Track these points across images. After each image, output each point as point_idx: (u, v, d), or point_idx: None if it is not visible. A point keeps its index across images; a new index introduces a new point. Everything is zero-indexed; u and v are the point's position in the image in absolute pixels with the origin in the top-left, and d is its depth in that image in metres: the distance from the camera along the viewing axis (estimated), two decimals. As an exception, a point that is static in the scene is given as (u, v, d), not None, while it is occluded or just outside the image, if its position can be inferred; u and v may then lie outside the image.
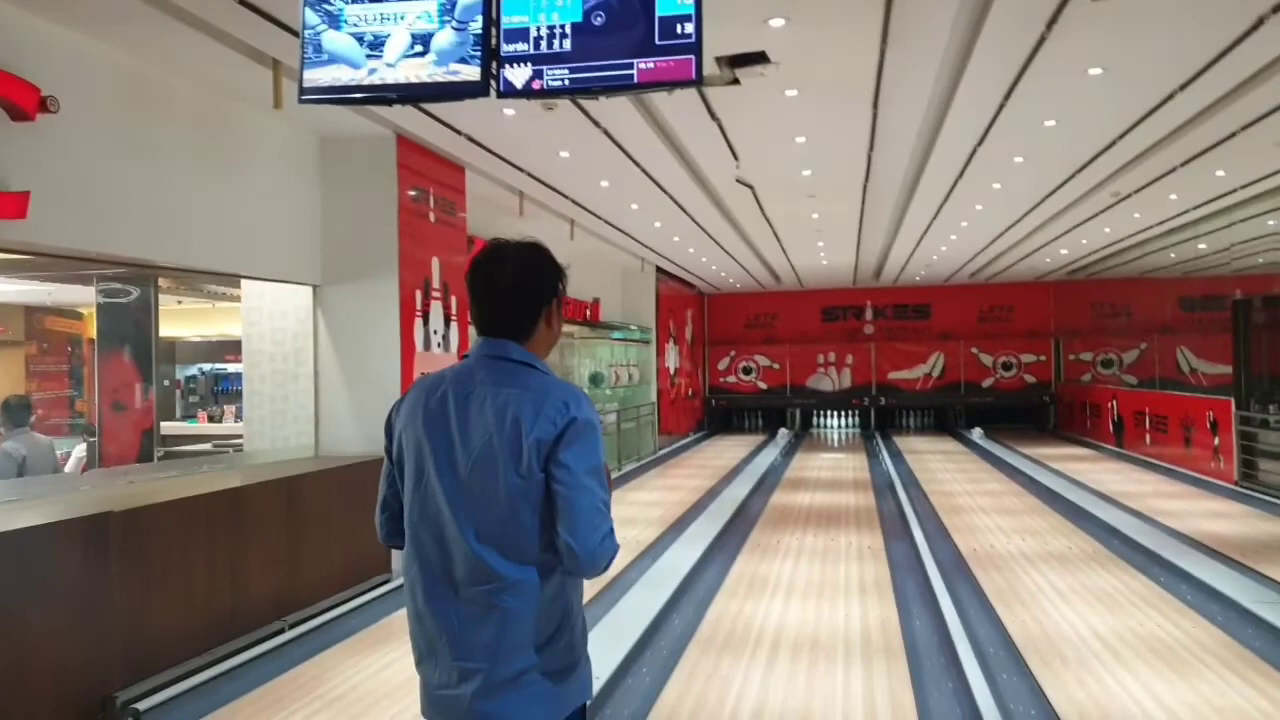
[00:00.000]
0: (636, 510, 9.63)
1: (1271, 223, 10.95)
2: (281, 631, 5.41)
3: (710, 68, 5.47)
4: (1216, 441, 10.80)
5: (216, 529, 5.12)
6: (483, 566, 1.78)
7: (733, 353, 21.03)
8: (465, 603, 1.80)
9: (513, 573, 1.78)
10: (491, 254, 1.90)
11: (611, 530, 1.80)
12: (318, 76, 3.84)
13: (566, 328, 13.36)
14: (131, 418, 9.89)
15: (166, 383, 15.76)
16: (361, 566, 6.49)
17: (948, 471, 12.62)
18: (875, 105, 6.25)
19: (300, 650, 5.18)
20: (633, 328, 15.46)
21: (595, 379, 13.68)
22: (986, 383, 19.86)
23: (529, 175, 8.14)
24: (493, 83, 3.75)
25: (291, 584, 5.73)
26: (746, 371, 20.95)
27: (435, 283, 7.36)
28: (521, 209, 9.09)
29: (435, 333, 7.33)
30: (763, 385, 20.88)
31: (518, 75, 3.71)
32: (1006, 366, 19.79)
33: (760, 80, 5.67)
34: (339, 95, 3.86)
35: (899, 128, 7.05)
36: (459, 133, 6.76)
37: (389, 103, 3.87)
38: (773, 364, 20.86)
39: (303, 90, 3.86)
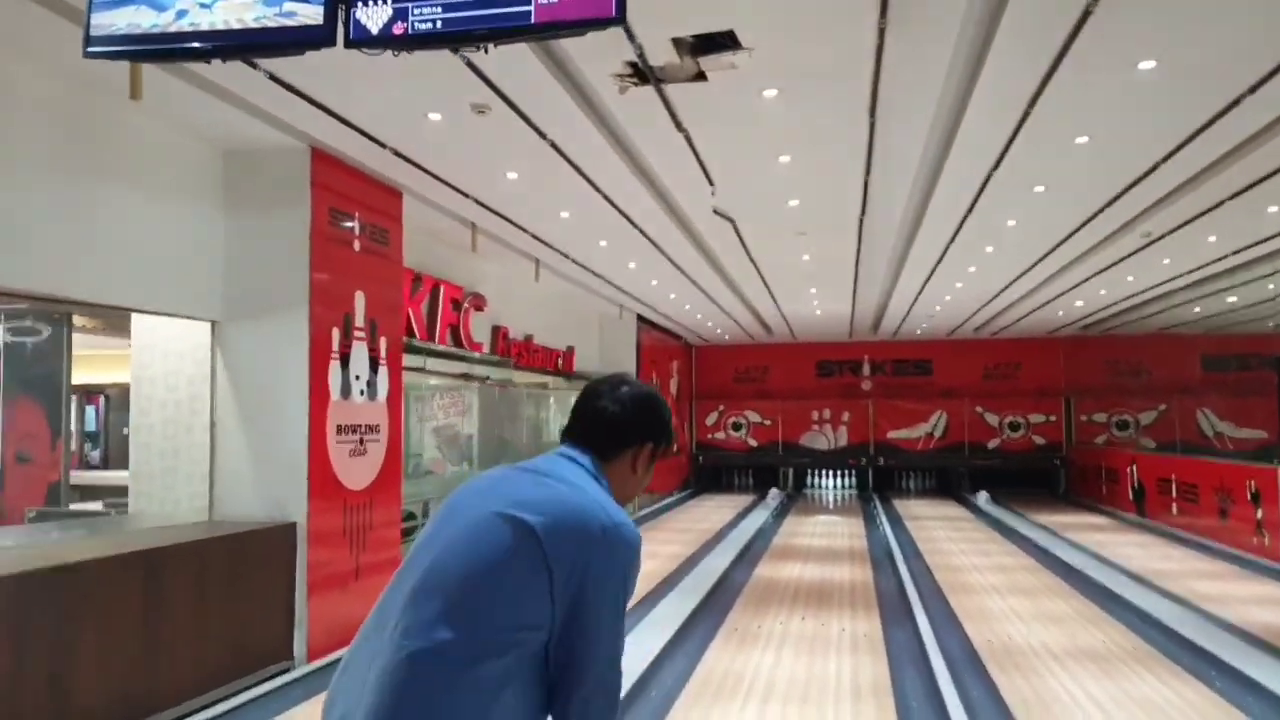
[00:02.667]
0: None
1: (1309, 271, 9.95)
2: (122, 748, 4.26)
3: (668, 55, 4.49)
4: (1260, 514, 9.65)
5: (32, 617, 4.01)
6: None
7: (721, 407, 19.93)
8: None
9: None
10: (609, 379, 1.89)
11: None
12: (111, 22, 2.85)
13: (538, 378, 12.33)
14: (37, 470, 8.84)
15: (125, 431, 14.73)
16: (251, 655, 5.35)
17: (953, 541, 11.43)
18: (873, 113, 5.25)
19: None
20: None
21: (568, 434, 12.54)
22: (992, 444, 18.70)
23: (475, 202, 7.14)
24: (340, 28, 2.75)
25: (148, 681, 4.59)
26: (736, 427, 19.84)
27: (359, 320, 6.31)
28: (474, 243, 8.09)
29: (357, 378, 6.27)
30: (753, 442, 19.74)
31: (373, 16, 2.72)
32: (1014, 427, 18.65)
33: (731, 75, 4.70)
34: (138, 46, 2.87)
35: (901, 144, 6.06)
36: (381, 145, 5.77)
37: (205, 57, 2.86)
38: (764, 420, 19.75)
39: (90, 39, 2.87)
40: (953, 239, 8.80)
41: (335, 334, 6.06)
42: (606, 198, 7.09)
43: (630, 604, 1.67)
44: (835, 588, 8.40)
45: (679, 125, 5.52)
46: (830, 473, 19.60)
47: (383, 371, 6.59)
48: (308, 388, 5.78)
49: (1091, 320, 15.65)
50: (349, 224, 6.27)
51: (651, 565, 9.53)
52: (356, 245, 6.34)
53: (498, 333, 10.35)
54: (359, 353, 6.30)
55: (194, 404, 6.07)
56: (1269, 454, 10.20)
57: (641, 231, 8.31)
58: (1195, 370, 13.30)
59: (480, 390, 10.15)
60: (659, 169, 6.59)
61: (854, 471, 19.39)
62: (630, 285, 11.69)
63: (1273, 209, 7.68)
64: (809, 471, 19.66)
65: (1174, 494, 12.17)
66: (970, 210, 7.64)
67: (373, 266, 6.52)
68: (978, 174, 6.66)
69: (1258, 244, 9.25)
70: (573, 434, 1.82)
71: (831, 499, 18.23)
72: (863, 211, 7.79)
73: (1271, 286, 10.38)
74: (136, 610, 4.60)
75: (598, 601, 1.59)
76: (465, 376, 9.25)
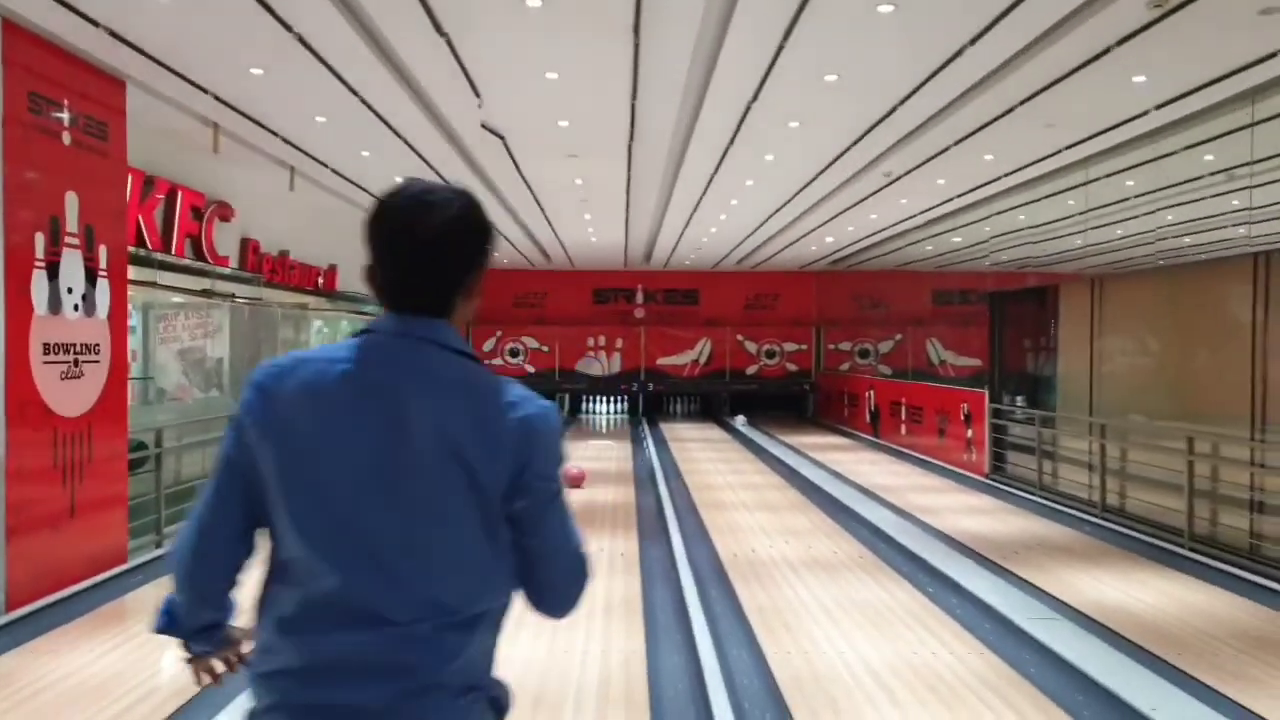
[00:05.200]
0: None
1: (1022, 218, 11.12)
2: None
3: (422, -51, 4.19)
4: (970, 434, 10.85)
5: None
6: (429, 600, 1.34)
7: (499, 333, 19.72)
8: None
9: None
10: (414, 195, 1.39)
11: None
12: None
13: (296, 298, 11.54)
14: None
15: None
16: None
17: (711, 462, 12.04)
18: (636, 30, 5.21)
19: None
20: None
21: (328, 357, 11.87)
22: (751, 370, 19.82)
23: (215, 98, 6.46)
24: None
25: None
26: (514, 354, 19.72)
27: (70, 225, 5.58)
28: (216, 144, 7.35)
29: (70, 291, 5.56)
30: (530, 369, 19.72)
31: None
32: (770, 354, 19.84)
33: (492, -20, 4.47)
34: None
35: (666, 70, 6.08)
36: (94, 23, 5.04)
37: None
38: (541, 346, 19.78)
39: None
40: (716, 169, 9.04)
41: (40, 239, 5.31)
42: (366, 104, 6.64)
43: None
44: (599, 509, 8.60)
45: (439, 29, 5.22)
46: (604, 398, 20.06)
47: (102, 284, 5.89)
48: (3, 300, 5.06)
49: (840, 255, 16.80)
50: (57, 114, 5.48)
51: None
52: (67, 138, 5.56)
53: (247, 246, 9.57)
54: (71, 262, 5.58)
55: None
56: (981, 380, 11.44)
57: (408, 144, 7.89)
58: (926, 304, 14.65)
59: (232, 310, 9.38)
60: (422, 76, 6.23)
61: (626, 397, 19.93)
62: (397, 202, 11.12)
63: (988, 157, 8.49)
64: (584, 397, 20.01)
65: (903, 416, 13.44)
66: (732, 141, 7.86)
67: (88, 164, 5.76)
68: (739, 103, 6.84)
69: (977, 188, 10.25)
70: (406, 298, 1.42)
71: (604, 424, 18.66)
72: (631, 136, 7.80)
73: (988, 229, 11.54)
74: None
75: None
76: (207, 293, 8.49)
